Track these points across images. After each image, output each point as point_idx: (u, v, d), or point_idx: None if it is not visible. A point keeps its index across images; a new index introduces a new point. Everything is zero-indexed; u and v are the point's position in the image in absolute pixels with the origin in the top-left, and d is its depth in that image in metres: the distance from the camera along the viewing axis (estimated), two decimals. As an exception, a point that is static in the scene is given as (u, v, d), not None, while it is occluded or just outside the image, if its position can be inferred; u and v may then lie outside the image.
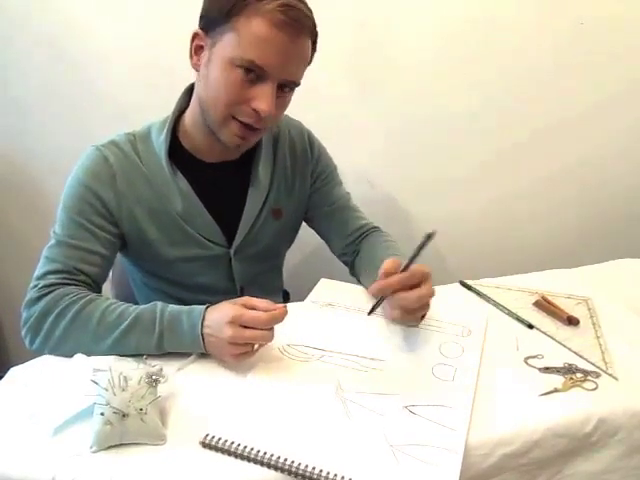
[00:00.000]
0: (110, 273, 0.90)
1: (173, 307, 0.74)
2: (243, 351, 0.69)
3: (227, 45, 0.74)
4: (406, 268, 0.72)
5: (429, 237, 0.67)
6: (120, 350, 0.72)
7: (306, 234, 1.07)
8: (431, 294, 0.74)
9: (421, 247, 0.69)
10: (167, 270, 0.91)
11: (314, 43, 0.78)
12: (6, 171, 1.49)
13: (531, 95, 1.32)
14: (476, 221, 1.47)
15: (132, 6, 1.27)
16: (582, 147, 1.39)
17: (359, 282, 0.97)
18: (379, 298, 0.76)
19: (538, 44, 1.27)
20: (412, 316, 0.76)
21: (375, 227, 1.02)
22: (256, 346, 0.71)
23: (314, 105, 1.17)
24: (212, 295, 0.79)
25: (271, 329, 0.69)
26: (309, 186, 0.99)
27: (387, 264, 0.73)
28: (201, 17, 0.78)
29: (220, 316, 0.69)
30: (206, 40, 0.77)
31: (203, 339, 0.70)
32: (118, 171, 0.83)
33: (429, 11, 1.25)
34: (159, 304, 0.75)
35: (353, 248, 1.00)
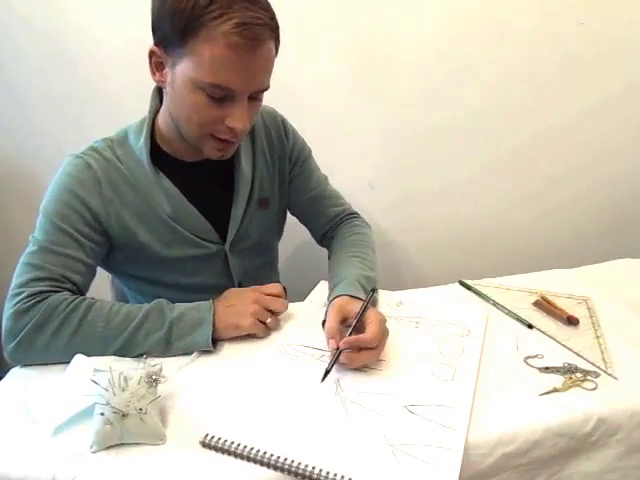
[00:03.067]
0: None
1: (179, 304, 0.78)
2: (263, 315, 0.77)
3: (188, 69, 0.71)
4: (358, 321, 0.73)
5: (373, 292, 0.80)
6: (130, 349, 0.73)
7: (305, 233, 1.07)
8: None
9: (367, 302, 0.76)
10: (162, 273, 0.90)
11: (277, 38, 0.74)
12: (6, 171, 1.49)
13: (530, 96, 1.32)
14: (476, 221, 1.47)
15: (134, 6, 1.27)
16: (582, 148, 1.39)
17: None
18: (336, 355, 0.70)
19: (538, 44, 1.27)
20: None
21: (349, 214, 1.04)
22: (269, 320, 0.78)
23: (314, 108, 1.17)
24: (209, 295, 0.80)
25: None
26: (288, 172, 0.99)
27: (330, 331, 0.73)
28: (153, 31, 0.73)
29: (240, 290, 0.82)
30: (165, 58, 0.74)
31: (214, 315, 0.75)
32: (102, 177, 0.82)
33: (429, 14, 1.25)
34: (164, 301, 0.77)
35: (330, 234, 1.03)
